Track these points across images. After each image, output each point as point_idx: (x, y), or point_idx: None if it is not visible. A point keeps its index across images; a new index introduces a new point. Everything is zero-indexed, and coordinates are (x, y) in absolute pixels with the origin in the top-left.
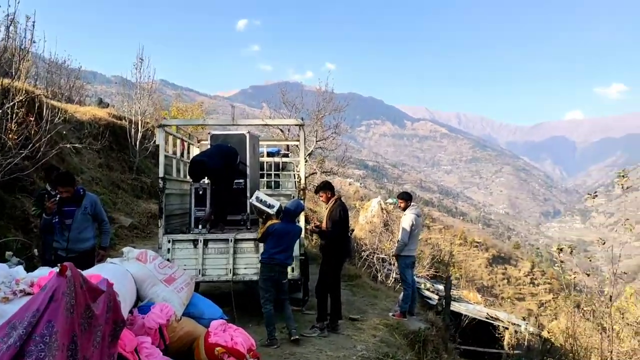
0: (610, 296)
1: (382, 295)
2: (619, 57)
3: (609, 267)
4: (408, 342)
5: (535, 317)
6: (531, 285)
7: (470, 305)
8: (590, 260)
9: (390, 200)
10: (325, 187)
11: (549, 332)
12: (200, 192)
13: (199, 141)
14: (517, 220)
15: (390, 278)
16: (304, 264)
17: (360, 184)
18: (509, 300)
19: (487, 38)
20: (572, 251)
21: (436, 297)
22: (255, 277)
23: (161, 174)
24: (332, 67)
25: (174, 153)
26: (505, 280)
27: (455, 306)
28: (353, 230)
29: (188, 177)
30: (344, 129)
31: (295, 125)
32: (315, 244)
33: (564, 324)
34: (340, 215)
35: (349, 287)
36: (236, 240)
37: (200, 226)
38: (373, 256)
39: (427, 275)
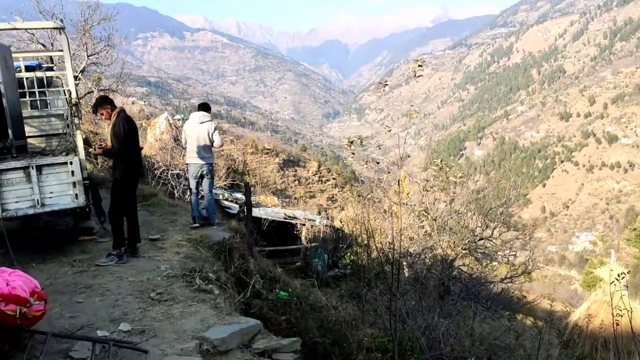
0: (398, 180)
1: (181, 211)
2: None
3: (383, 157)
4: (214, 253)
5: (325, 210)
6: (319, 182)
7: (269, 209)
8: (371, 155)
9: (178, 116)
10: (104, 102)
11: (341, 222)
12: None
13: None
14: (302, 124)
15: (188, 193)
16: (90, 189)
17: (144, 102)
18: (301, 199)
19: None
20: (362, 142)
21: (236, 205)
22: (31, 211)
23: None
24: None
25: None
26: (297, 182)
27: (255, 211)
28: (142, 148)
29: None
30: (119, 40)
31: (54, 28)
32: (102, 168)
33: (351, 213)
34: (125, 130)
35: (144, 207)
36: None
37: None
38: (167, 173)
39: (225, 185)
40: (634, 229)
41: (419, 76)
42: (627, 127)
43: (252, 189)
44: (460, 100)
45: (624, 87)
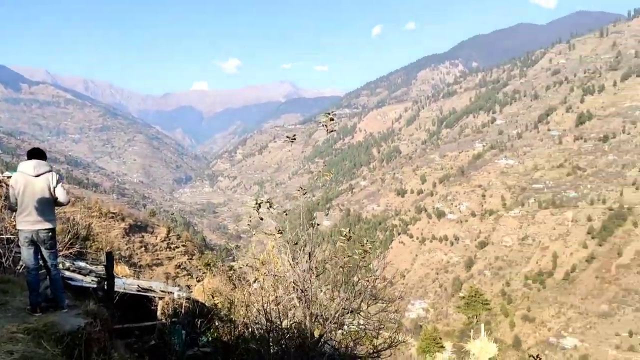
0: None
1: (14, 289)
2: (233, 32)
3: (236, 225)
4: (64, 349)
5: (174, 279)
6: (168, 249)
7: (120, 280)
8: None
9: (8, 173)
10: None
11: (213, 296)
12: None
13: None
14: (152, 188)
15: (21, 262)
16: None
17: None
18: (147, 267)
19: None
20: (270, 206)
21: (81, 277)
22: None
23: None
24: None
25: None
26: (143, 248)
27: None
28: None
29: None
30: None
31: None
32: None
33: (212, 283)
34: None
35: None
36: None
37: None
38: None
39: (71, 253)
40: (463, 298)
41: (332, 131)
42: (452, 204)
43: (95, 256)
44: (310, 172)
45: (449, 168)
